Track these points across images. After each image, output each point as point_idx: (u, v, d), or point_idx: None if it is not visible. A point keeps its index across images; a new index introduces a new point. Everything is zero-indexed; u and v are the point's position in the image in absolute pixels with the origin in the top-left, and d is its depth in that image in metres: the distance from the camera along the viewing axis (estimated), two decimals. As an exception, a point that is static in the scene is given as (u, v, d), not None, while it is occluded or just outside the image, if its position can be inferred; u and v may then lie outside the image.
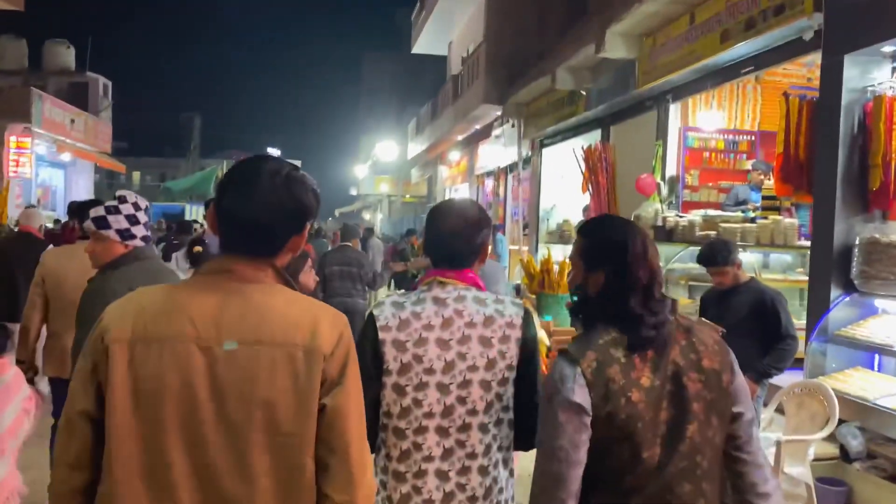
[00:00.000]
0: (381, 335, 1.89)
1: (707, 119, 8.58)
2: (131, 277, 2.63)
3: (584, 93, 9.89)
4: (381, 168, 37.30)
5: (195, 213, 30.43)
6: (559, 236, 12.00)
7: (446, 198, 22.68)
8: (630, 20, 7.56)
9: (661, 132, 8.30)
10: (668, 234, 7.23)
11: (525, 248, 13.42)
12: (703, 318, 4.20)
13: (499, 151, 16.02)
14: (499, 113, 13.54)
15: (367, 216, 45.74)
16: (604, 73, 9.31)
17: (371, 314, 1.94)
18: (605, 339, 1.63)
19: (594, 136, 10.31)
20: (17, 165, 18.42)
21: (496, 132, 13.32)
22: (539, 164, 12.80)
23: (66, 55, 25.12)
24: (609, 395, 1.57)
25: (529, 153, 13.17)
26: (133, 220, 2.87)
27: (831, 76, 5.18)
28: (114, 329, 1.39)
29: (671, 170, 8.27)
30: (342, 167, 52.43)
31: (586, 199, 11.48)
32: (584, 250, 1.76)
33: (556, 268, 7.70)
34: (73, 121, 21.50)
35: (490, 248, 2.45)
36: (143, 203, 2.93)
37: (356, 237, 6.48)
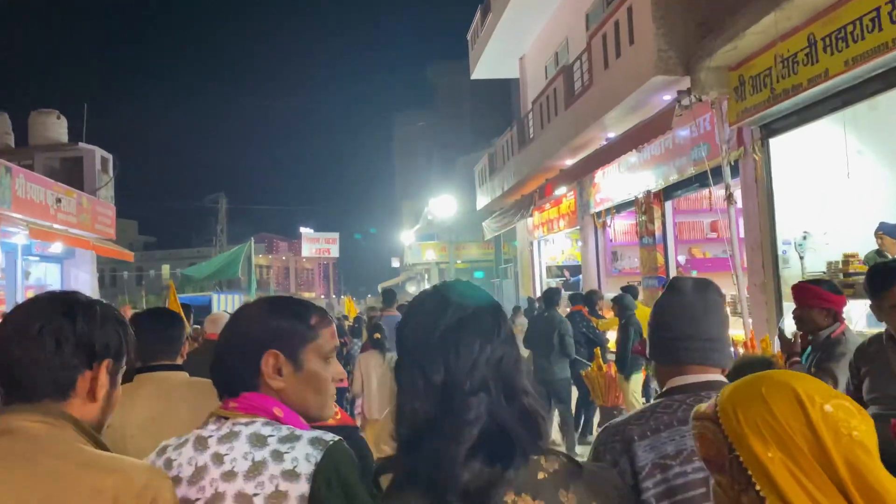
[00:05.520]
0: None
1: None
2: None
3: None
4: (427, 233, 32.56)
5: (225, 302, 25.69)
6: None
7: (532, 258, 17.03)
8: None
9: None
10: None
11: (746, 316, 7.87)
12: None
13: (640, 177, 10.80)
14: (668, 97, 8.37)
15: (411, 289, 40.75)
16: None
17: None
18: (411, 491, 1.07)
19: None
20: (-23, 261, 13.61)
21: (678, 112, 7.98)
22: (766, 166, 7.48)
23: (56, 126, 20.98)
24: None
25: (734, 151, 7.89)
26: None
27: None
28: None
29: None
30: (384, 239, 47.85)
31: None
32: None
33: None
34: (59, 200, 16.97)
35: None
36: None
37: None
